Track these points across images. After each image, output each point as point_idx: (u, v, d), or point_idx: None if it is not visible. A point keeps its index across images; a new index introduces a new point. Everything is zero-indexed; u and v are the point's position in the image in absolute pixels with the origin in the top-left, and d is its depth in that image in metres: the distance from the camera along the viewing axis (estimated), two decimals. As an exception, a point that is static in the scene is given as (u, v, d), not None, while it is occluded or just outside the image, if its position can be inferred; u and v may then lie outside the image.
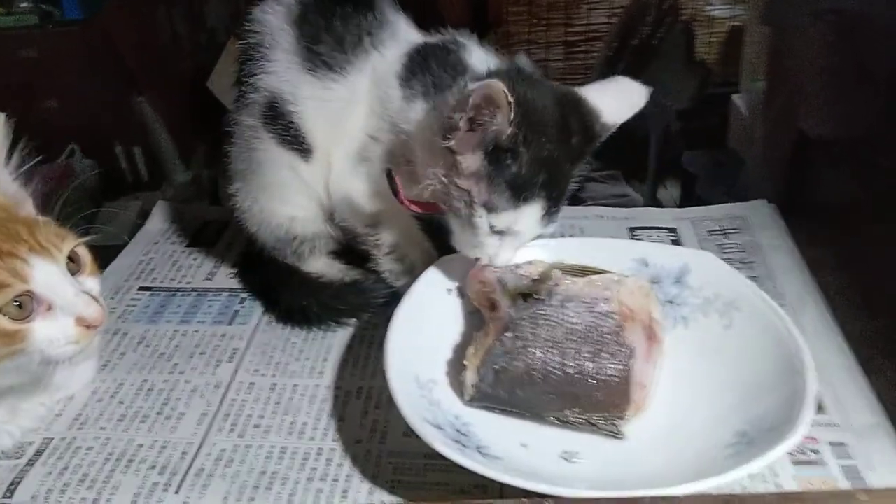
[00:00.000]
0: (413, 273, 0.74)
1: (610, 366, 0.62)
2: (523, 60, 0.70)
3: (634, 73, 0.72)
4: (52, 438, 0.66)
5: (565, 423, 0.63)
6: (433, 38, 0.72)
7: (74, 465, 0.63)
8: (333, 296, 0.79)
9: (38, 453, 0.65)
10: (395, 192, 0.68)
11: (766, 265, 0.82)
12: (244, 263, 0.87)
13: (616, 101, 0.67)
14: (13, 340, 0.56)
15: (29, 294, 0.56)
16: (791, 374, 0.60)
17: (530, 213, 0.64)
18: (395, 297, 0.73)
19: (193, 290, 0.85)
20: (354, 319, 0.79)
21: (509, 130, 0.60)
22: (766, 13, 2.54)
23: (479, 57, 0.69)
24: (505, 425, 0.64)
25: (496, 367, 0.63)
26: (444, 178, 0.64)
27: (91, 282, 0.61)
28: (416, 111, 0.68)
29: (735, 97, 3.13)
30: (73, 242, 0.60)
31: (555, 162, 0.63)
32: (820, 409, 0.65)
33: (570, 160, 0.65)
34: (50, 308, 0.57)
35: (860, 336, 0.72)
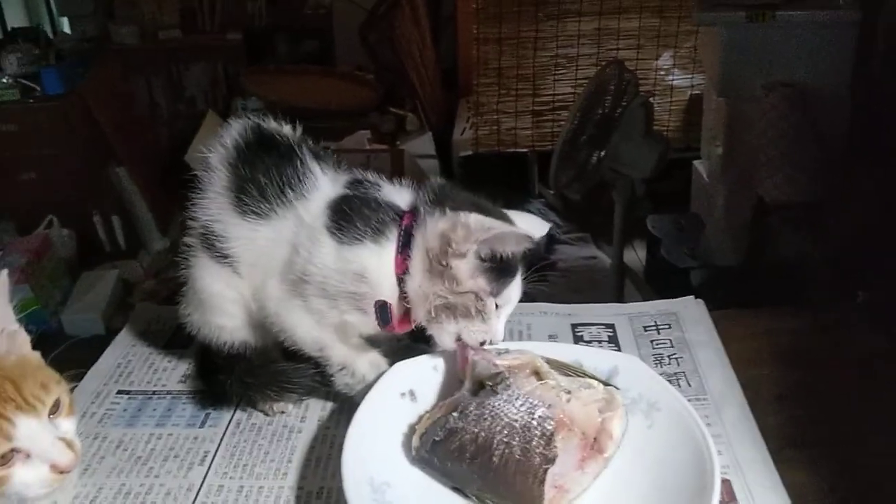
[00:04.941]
0: (365, 382, 0.82)
1: (531, 465, 0.70)
2: (438, 180, 0.81)
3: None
4: (37, 544, 0.72)
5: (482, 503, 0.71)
6: (348, 183, 0.81)
7: (57, 570, 0.69)
8: (273, 377, 0.86)
9: (24, 558, 0.70)
10: (387, 322, 0.78)
11: (693, 360, 0.90)
12: (200, 358, 0.94)
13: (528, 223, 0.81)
14: None
15: (12, 448, 0.63)
16: (701, 475, 0.67)
17: (517, 282, 0.78)
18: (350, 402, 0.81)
19: (168, 392, 0.91)
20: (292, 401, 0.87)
21: None
22: (721, 85, 2.69)
23: (394, 191, 0.80)
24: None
25: (436, 437, 0.73)
26: (445, 293, 0.76)
27: (67, 423, 0.68)
28: (355, 254, 0.76)
29: (696, 163, 3.27)
30: (56, 394, 0.67)
31: None
32: (733, 498, 0.73)
33: None
34: (29, 456, 0.64)
35: (773, 428, 0.81)
